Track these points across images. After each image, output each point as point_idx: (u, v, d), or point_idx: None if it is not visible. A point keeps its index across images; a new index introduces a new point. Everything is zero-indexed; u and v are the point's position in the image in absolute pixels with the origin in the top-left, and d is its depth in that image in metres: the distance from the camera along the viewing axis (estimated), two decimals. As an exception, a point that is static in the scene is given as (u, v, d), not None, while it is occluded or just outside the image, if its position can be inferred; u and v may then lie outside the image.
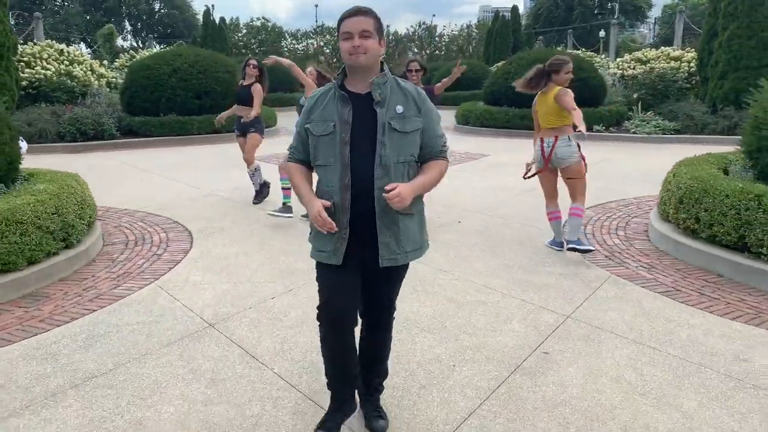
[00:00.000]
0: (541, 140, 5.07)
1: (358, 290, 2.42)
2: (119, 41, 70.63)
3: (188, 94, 14.72)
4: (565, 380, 3.06)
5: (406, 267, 2.45)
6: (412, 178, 2.30)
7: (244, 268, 4.88)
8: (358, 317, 2.49)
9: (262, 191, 7.36)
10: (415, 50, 54.20)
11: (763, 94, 5.31)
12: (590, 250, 4.90)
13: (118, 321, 3.86)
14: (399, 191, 2.13)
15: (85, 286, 4.51)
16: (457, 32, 53.79)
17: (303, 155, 2.41)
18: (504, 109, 15.61)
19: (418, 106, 2.31)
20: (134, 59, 25.91)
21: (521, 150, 11.72)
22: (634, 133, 14.20)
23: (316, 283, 2.45)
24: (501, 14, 40.84)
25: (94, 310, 4.04)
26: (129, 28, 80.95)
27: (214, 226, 6.22)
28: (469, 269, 4.83)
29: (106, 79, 18.78)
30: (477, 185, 8.37)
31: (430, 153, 2.37)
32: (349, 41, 2.20)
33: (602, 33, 47.60)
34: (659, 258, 5.08)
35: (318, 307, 2.45)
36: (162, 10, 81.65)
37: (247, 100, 7.04)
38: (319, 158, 2.30)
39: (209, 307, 4.06)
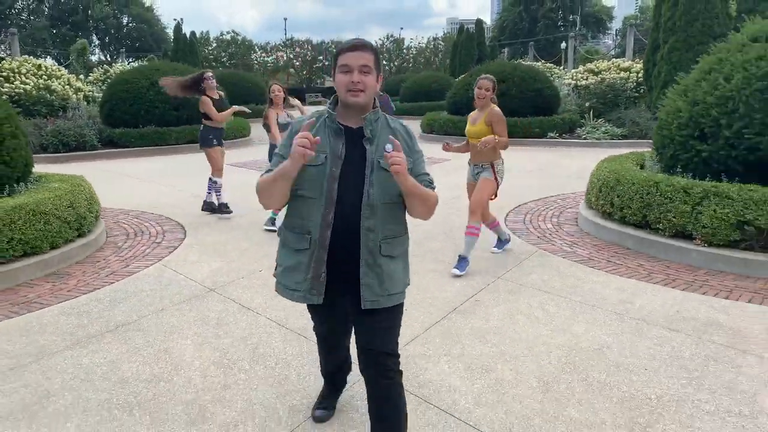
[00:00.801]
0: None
1: (350, 325, 2.47)
2: (72, 54, 70.56)
3: (166, 106, 15.49)
4: (489, 317, 4.01)
5: (398, 309, 2.28)
6: (399, 219, 2.23)
7: (233, 251, 5.75)
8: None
9: (212, 206, 7.50)
10: (383, 63, 55.34)
11: (669, 101, 6.39)
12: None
13: (134, 289, 4.70)
14: (402, 157, 1.99)
15: (100, 266, 5.34)
16: (424, 45, 55.22)
17: None
18: (465, 118, 16.63)
19: (408, 145, 2.24)
20: (107, 73, 26.58)
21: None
22: (584, 138, 15.39)
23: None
24: (466, 28, 42.22)
25: (112, 283, 4.88)
26: (97, 42, 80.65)
27: (202, 221, 7.06)
28: (426, 248, 5.77)
29: (83, 93, 19.38)
30: (440, 182, 9.35)
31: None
32: (347, 75, 2.07)
33: (564, 45, 49.29)
34: (581, 237, 6.10)
35: (314, 330, 2.70)
36: (130, 24, 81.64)
37: (224, 110, 7.27)
38: (303, 188, 2.13)
39: (208, 278, 4.93)
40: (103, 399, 3.04)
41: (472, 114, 5.24)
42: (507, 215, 7.15)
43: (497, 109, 5.01)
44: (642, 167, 6.69)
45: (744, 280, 4.69)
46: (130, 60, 43.03)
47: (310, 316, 2.54)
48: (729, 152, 5.38)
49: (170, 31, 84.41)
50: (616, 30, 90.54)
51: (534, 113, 16.29)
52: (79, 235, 5.77)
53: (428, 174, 2.27)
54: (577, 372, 3.24)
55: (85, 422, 2.83)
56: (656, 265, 5.13)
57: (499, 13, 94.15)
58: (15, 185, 5.81)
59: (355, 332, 2.28)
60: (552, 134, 15.72)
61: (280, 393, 3.08)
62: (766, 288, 4.50)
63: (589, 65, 20.38)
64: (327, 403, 2.86)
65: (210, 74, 7.28)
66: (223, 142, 7.54)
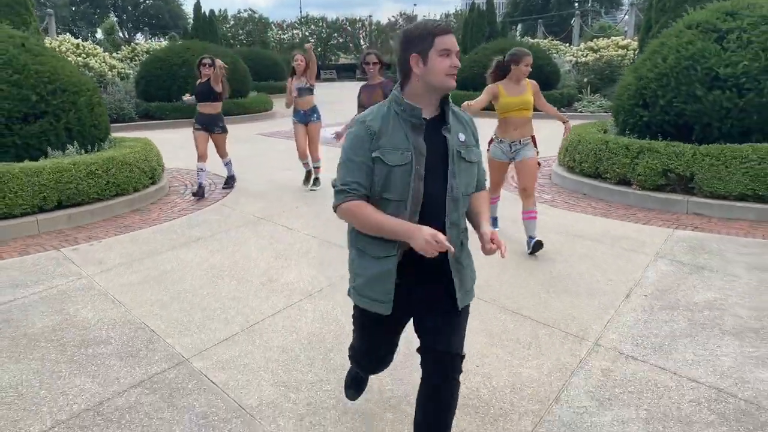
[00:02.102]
0: None
1: (399, 336, 2.35)
2: (101, 33, 72.15)
3: (197, 82, 17.01)
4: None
5: (468, 309, 2.18)
6: (467, 210, 2.18)
7: (273, 196, 7.31)
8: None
9: (230, 181, 7.88)
10: (391, 42, 56.39)
11: (624, 77, 7.81)
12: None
13: (203, 219, 6.28)
14: (500, 240, 1.99)
15: (171, 205, 6.93)
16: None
17: (368, 190, 2.00)
18: (470, 93, 18.01)
19: (474, 136, 2.15)
20: (135, 51, 28.09)
21: (480, 126, 14.22)
22: (580, 112, 16.73)
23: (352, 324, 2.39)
24: (477, 5, 43.12)
25: (185, 215, 6.47)
26: (115, 19, 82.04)
27: (242, 177, 8.60)
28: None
29: (116, 69, 20.93)
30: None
31: (477, 185, 2.22)
32: (448, 58, 1.95)
33: (579, 20, 49.95)
34: (550, 187, 7.60)
35: (351, 348, 2.52)
36: (147, 2, 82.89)
37: (210, 96, 7.30)
38: (390, 191, 1.96)
39: (258, 212, 6.49)
40: (201, 273, 4.63)
41: (504, 86, 5.04)
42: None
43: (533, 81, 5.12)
44: (605, 132, 8.13)
45: (663, 213, 6.17)
46: (156, 37, 44.34)
47: (361, 321, 2.29)
48: (663, 117, 6.83)
49: (186, 8, 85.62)
50: (630, 4, 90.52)
51: (534, 88, 17.58)
52: (152, 183, 7.36)
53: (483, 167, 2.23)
54: (532, 262, 4.77)
55: (193, 283, 4.41)
56: (602, 205, 6.63)
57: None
58: (101, 144, 7.39)
59: (425, 335, 2.11)
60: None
61: (319, 270, 4.64)
62: (674, 217, 6.00)
63: (590, 43, 21.61)
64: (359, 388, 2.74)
65: (206, 60, 7.34)
66: (217, 130, 7.55)
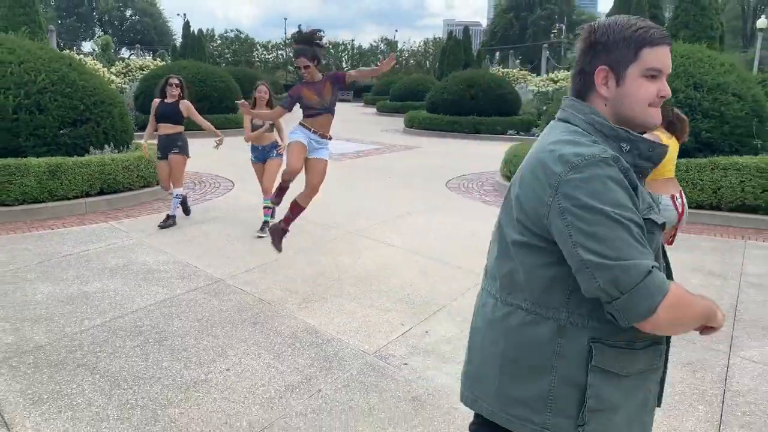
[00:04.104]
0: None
1: None
2: (89, 46, 73.46)
3: (190, 98, 18.70)
4: (421, 223, 7.33)
5: None
6: None
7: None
8: None
9: (169, 218, 6.89)
10: (379, 63, 58.66)
11: (556, 101, 9.73)
12: None
13: (216, 206, 8.00)
14: None
15: (189, 196, 8.63)
16: (416, 48, 58.60)
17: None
18: (440, 116, 20.01)
19: None
20: (128, 67, 29.68)
21: (446, 145, 16.20)
22: (537, 136, 18.73)
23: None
24: (454, 34, 45.58)
25: (200, 203, 8.17)
26: (100, 33, 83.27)
27: (241, 178, 10.32)
28: (397, 193, 9.08)
29: (114, 84, 22.54)
30: (407, 161, 12.70)
31: None
32: (656, 83, 1.36)
33: (548, 52, 52.61)
34: (489, 191, 9.47)
35: None
36: (134, 17, 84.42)
37: (175, 118, 6.94)
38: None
39: (260, 203, 8.23)
40: (221, 239, 6.34)
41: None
42: (449, 180, 10.49)
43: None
44: (538, 149, 10.03)
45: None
46: (143, 54, 45.89)
47: None
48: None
49: (172, 26, 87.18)
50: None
51: (498, 114, 19.65)
52: (170, 179, 9.06)
53: None
54: (462, 236, 6.57)
55: (216, 244, 6.12)
56: (527, 205, 8.50)
57: (491, 19, 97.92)
58: (128, 146, 9.08)
59: None
60: (511, 132, 19.05)
61: (324, 228, 6.40)
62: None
63: (551, 75, 23.83)
64: None
65: (174, 80, 7.06)
66: (174, 150, 7.01)
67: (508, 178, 9.53)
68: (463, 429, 2.87)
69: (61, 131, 7.97)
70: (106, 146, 8.48)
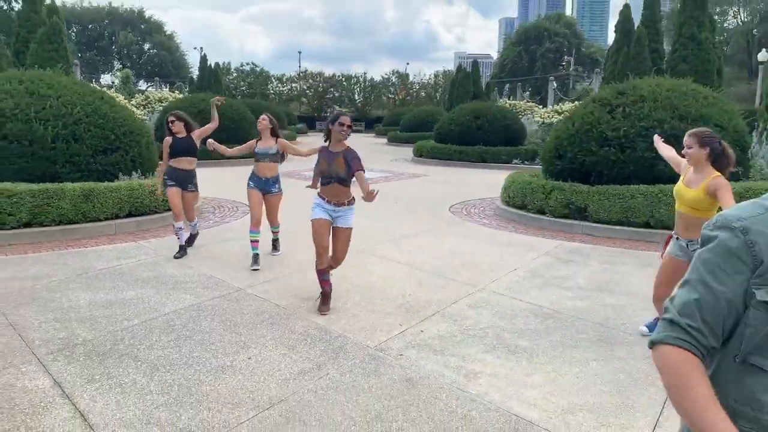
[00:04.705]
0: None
1: None
2: (108, 79, 75.58)
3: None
4: (422, 243, 7.92)
5: None
6: None
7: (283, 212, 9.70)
8: None
9: (186, 246, 7.14)
10: (390, 95, 59.98)
11: (549, 136, 10.37)
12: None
13: (236, 227, 8.65)
14: None
15: (206, 218, 9.30)
16: (426, 80, 59.82)
17: (716, 341, 1.26)
18: (447, 146, 20.74)
19: None
20: (148, 99, 30.80)
21: (451, 174, 16.84)
22: (540, 164, 19.38)
23: None
24: (463, 67, 46.62)
25: (219, 225, 8.83)
26: (119, 66, 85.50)
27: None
28: (403, 217, 9.70)
29: (136, 116, 23.48)
30: (414, 188, 13.35)
31: None
32: None
33: (554, 84, 53.53)
34: (490, 216, 10.06)
35: None
36: (152, 51, 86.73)
37: (191, 151, 7.04)
38: (763, 353, 1.22)
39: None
40: (241, 255, 6.96)
41: (688, 171, 4.11)
42: (452, 206, 11.11)
43: (723, 179, 3.84)
44: (536, 176, 10.64)
45: (565, 233, 8.62)
46: (161, 86, 47.28)
47: None
48: (571, 165, 9.36)
49: (189, 59, 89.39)
50: (596, 72, 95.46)
51: (504, 143, 20.34)
52: (192, 203, 9.75)
53: None
54: (459, 254, 7.16)
55: (237, 259, 6.74)
56: (523, 227, 9.08)
57: (500, 52, 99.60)
58: (153, 173, 9.80)
59: None
60: (516, 161, 19.70)
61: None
62: (571, 235, 8.46)
63: (556, 106, 24.54)
64: None
65: (171, 117, 7.04)
66: (191, 187, 7.16)
67: (508, 204, 10.15)
68: (447, 403, 3.44)
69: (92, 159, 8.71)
70: (134, 172, 9.20)
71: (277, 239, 7.22)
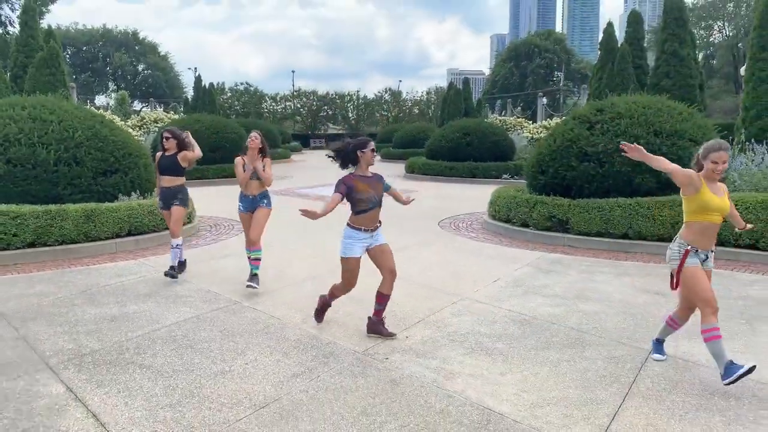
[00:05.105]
0: None
1: None
2: (103, 100, 76.06)
3: (204, 148, 19.76)
4: (412, 256, 8.28)
5: None
6: None
7: (275, 229, 10.05)
8: None
9: (181, 266, 7.15)
10: (383, 112, 60.60)
11: (533, 151, 10.78)
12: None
13: (232, 243, 8.99)
14: None
15: (205, 237, 9.64)
16: (418, 97, 60.51)
17: None
18: (438, 162, 21.16)
19: None
20: (143, 120, 31.20)
21: (442, 189, 17.23)
22: (530, 179, 19.83)
23: None
24: (455, 84, 47.26)
25: (216, 243, 9.17)
26: (114, 88, 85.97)
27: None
28: (393, 231, 10.06)
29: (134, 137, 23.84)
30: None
31: None
32: None
33: (545, 100, 54.22)
34: (477, 230, 10.44)
35: None
36: (146, 71, 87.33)
37: (174, 169, 6.98)
38: None
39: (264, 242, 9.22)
40: (236, 272, 7.29)
41: (704, 183, 4.08)
42: (442, 220, 11.48)
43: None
44: (520, 191, 11.04)
45: (548, 245, 8.99)
46: (155, 106, 47.67)
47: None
48: (553, 180, 9.75)
49: (183, 79, 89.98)
50: (583, 88, 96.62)
51: (492, 159, 20.77)
52: (189, 221, 10.09)
53: None
54: (446, 266, 7.51)
55: (233, 275, 7.07)
56: (508, 240, 9.45)
57: (492, 68, 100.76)
58: (152, 193, 10.15)
59: None
60: (506, 176, 20.12)
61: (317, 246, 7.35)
62: (553, 247, 8.83)
63: (544, 122, 25.06)
64: None
65: (166, 134, 7.07)
66: (175, 202, 7.03)
67: (494, 218, 10.53)
68: (426, 399, 3.78)
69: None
70: (133, 193, 9.55)
71: (257, 273, 6.56)
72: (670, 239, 8.50)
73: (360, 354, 4.59)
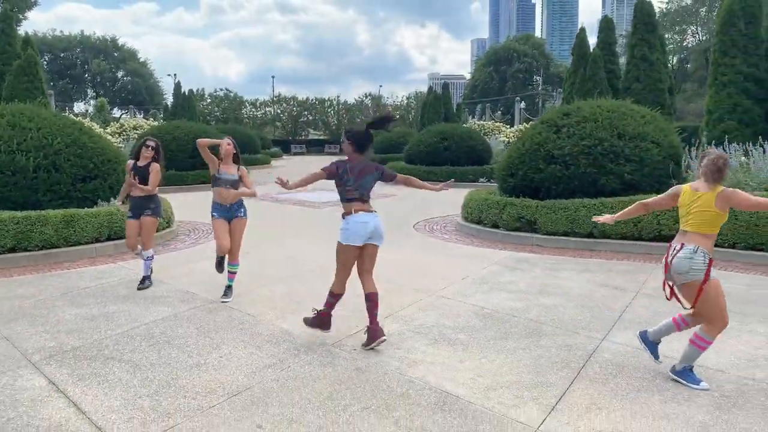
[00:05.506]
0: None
1: None
2: (82, 107, 75.54)
3: (184, 155, 20.14)
4: (385, 257, 8.54)
5: None
6: None
7: (252, 234, 10.27)
8: None
9: (146, 280, 6.94)
10: (364, 117, 60.95)
11: (504, 155, 11.13)
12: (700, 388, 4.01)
13: (210, 247, 9.20)
14: None
15: (183, 240, 9.84)
16: (399, 102, 60.96)
17: None
18: (417, 167, 21.49)
19: None
20: (123, 127, 31.19)
21: (420, 193, 17.53)
22: (506, 183, 20.22)
23: None
24: (434, 89, 47.77)
25: (194, 246, 9.38)
26: (92, 94, 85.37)
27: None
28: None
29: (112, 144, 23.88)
30: (382, 208, 14.02)
31: None
32: None
33: (523, 104, 54.89)
34: (451, 231, 10.75)
35: None
36: (125, 78, 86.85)
37: (145, 180, 6.81)
38: None
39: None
40: (212, 273, 7.52)
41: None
42: (417, 223, 11.78)
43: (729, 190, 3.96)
44: (492, 194, 11.38)
45: (517, 245, 9.32)
46: (134, 113, 47.56)
47: None
48: (522, 182, 10.10)
49: (163, 85, 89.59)
50: (558, 92, 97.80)
51: (470, 163, 21.17)
52: (168, 226, 10.28)
53: None
54: (417, 265, 7.79)
55: (210, 277, 7.30)
56: (479, 241, 9.77)
57: (471, 73, 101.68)
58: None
59: None
60: (482, 179, 20.47)
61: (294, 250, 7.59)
62: (521, 246, 9.16)
63: (519, 126, 25.52)
64: None
65: (150, 143, 6.93)
66: (147, 212, 6.89)
67: (466, 219, 10.86)
68: (389, 384, 4.06)
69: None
70: (112, 199, 9.73)
71: (231, 286, 6.43)
72: (633, 238, 8.92)
73: (329, 346, 4.86)
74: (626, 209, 4.61)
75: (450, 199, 15.51)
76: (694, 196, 4.02)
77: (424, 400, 3.82)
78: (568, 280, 7.06)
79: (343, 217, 4.87)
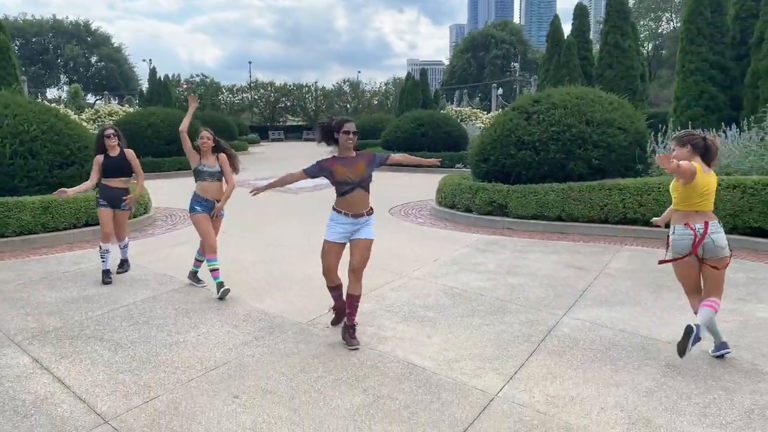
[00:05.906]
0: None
1: None
2: (55, 93, 74.29)
3: (161, 141, 20.12)
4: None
5: None
6: None
7: (229, 218, 10.42)
8: None
9: (124, 264, 7.05)
10: (342, 103, 60.86)
11: (477, 140, 11.39)
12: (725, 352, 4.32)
13: (187, 233, 9.34)
14: None
15: (161, 226, 9.96)
16: (377, 88, 60.93)
17: None
18: (394, 153, 21.66)
19: None
20: (98, 113, 30.91)
21: (396, 179, 17.78)
22: (482, 168, 20.51)
23: None
24: (412, 75, 47.80)
25: (171, 232, 9.51)
26: (66, 80, 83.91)
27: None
28: (337, 220, 10.55)
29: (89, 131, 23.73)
30: (358, 194, 14.24)
31: None
32: None
33: (500, 91, 55.23)
34: (426, 216, 11.01)
35: None
36: (99, 63, 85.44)
37: (125, 169, 6.71)
38: None
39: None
40: (189, 259, 7.68)
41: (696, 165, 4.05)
42: (392, 207, 12.02)
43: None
44: (466, 179, 11.64)
45: (489, 228, 9.61)
46: (109, 99, 46.99)
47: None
48: (494, 168, 10.38)
49: (138, 70, 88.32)
50: (534, 79, 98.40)
51: (446, 149, 21.43)
52: (145, 212, 10.39)
53: None
54: (390, 248, 8.03)
55: (187, 263, 7.46)
56: (452, 224, 10.04)
57: (449, 59, 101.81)
58: (108, 185, 10.39)
59: None
60: (459, 165, 20.76)
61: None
62: (493, 230, 9.45)
63: (495, 113, 25.80)
64: None
65: (110, 131, 6.70)
66: (124, 206, 6.79)
67: (441, 204, 11.12)
68: (359, 358, 4.30)
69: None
70: (89, 185, 9.80)
71: (222, 281, 6.01)
72: (599, 221, 9.23)
73: (304, 324, 5.09)
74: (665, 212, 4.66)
75: (424, 184, 15.78)
76: (708, 177, 4.13)
77: (392, 372, 4.07)
78: (536, 261, 7.35)
79: (333, 208, 4.81)
